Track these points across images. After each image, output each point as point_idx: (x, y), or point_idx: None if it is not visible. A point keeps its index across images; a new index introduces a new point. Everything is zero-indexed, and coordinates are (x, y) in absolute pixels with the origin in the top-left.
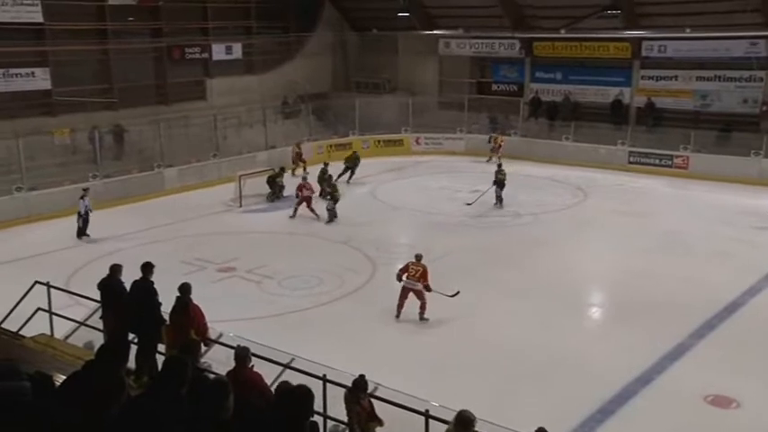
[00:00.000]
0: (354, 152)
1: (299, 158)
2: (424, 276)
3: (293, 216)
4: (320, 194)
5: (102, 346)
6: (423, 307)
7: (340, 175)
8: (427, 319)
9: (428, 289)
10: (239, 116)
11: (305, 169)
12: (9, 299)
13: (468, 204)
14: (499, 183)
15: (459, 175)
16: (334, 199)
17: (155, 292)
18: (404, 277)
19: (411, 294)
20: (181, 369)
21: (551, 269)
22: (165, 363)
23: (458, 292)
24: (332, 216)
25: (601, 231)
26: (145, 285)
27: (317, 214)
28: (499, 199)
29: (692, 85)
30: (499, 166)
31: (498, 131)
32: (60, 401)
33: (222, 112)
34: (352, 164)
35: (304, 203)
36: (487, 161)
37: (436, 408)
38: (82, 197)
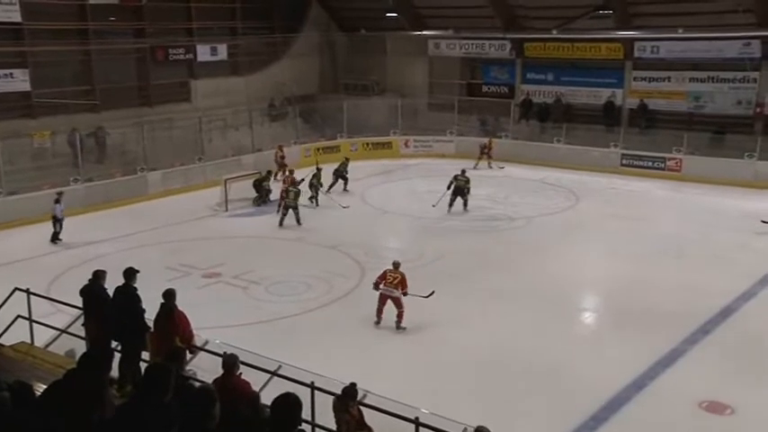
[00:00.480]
0: (345, 159)
1: (281, 162)
2: (402, 284)
3: (281, 225)
4: (309, 198)
5: (84, 353)
6: (400, 316)
7: (330, 186)
8: (404, 328)
9: (404, 294)
10: (225, 118)
11: (285, 173)
12: None
13: (433, 206)
14: (458, 190)
15: (450, 178)
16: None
17: (138, 299)
18: (381, 285)
19: (389, 302)
20: (164, 377)
21: (544, 274)
22: (147, 370)
23: (432, 293)
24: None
25: (594, 235)
26: (128, 291)
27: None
28: (462, 204)
29: (685, 86)
30: (463, 171)
31: (489, 135)
32: (40, 411)
33: (207, 115)
34: (341, 172)
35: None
36: (475, 167)
37: (426, 415)
38: (57, 201)
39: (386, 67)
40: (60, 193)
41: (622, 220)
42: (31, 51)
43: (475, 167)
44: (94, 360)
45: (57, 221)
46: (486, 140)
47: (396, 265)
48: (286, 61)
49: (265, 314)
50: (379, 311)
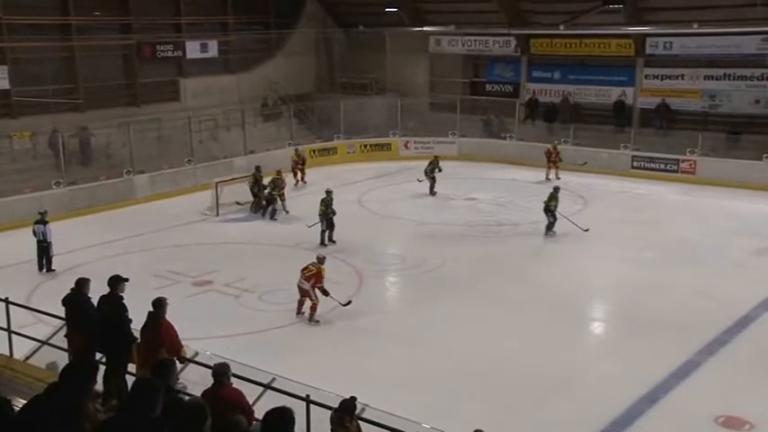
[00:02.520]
0: (434, 158)
1: (297, 166)
2: (316, 278)
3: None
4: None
5: (66, 365)
6: (313, 308)
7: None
8: (317, 321)
9: (324, 293)
10: (216, 119)
11: (303, 179)
12: None
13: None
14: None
15: (452, 181)
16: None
17: (124, 308)
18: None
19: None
20: (152, 392)
21: (551, 281)
22: (134, 385)
23: (350, 302)
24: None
25: (603, 241)
26: (113, 301)
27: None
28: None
29: (699, 84)
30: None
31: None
32: (20, 427)
33: (197, 115)
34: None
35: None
36: (547, 178)
37: (427, 430)
38: (41, 221)
39: (385, 65)
40: (44, 213)
41: (633, 224)
42: (11, 47)
43: (547, 179)
44: (78, 372)
45: (43, 245)
46: (549, 146)
47: (320, 259)
48: (280, 58)
49: (259, 324)
50: (300, 304)
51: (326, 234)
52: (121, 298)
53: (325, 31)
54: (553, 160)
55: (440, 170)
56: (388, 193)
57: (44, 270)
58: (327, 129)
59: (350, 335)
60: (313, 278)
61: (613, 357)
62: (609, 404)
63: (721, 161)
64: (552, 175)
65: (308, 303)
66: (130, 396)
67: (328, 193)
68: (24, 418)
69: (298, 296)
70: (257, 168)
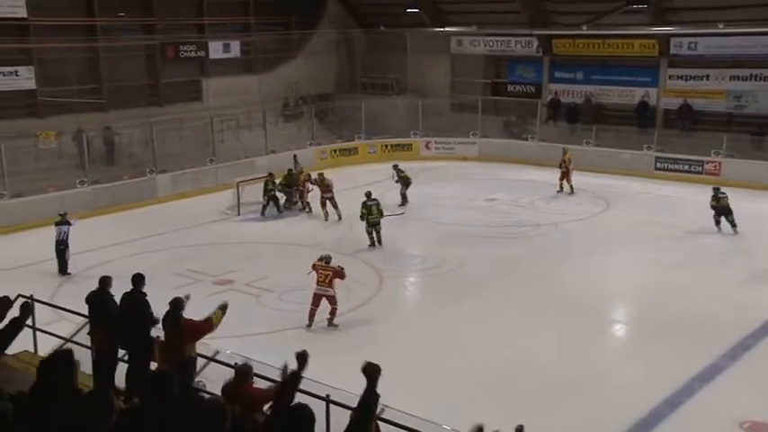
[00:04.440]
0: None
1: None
2: (338, 276)
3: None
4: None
5: (45, 358)
6: (333, 313)
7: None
8: (336, 326)
9: (341, 276)
10: (237, 118)
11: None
12: None
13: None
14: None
15: (473, 182)
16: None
17: (147, 305)
18: (314, 285)
19: (324, 300)
20: (166, 385)
21: (572, 283)
22: (150, 379)
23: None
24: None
25: (625, 243)
26: (137, 298)
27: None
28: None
29: (725, 84)
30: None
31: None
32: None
33: (219, 115)
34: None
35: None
36: (559, 191)
37: (447, 431)
38: (64, 222)
39: (406, 66)
40: (64, 214)
41: (656, 226)
42: (37, 48)
43: (560, 191)
44: (57, 361)
45: (62, 249)
46: (564, 155)
47: (326, 259)
48: (301, 59)
49: (279, 324)
50: (312, 313)
51: (374, 236)
52: (144, 294)
53: (347, 31)
54: (564, 170)
55: (400, 178)
56: (408, 193)
57: (62, 272)
58: (348, 129)
59: (369, 335)
60: (334, 279)
61: (635, 360)
62: (630, 408)
63: (746, 162)
64: (566, 188)
65: (325, 308)
66: (147, 388)
67: (368, 195)
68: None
69: (309, 309)
70: (270, 174)
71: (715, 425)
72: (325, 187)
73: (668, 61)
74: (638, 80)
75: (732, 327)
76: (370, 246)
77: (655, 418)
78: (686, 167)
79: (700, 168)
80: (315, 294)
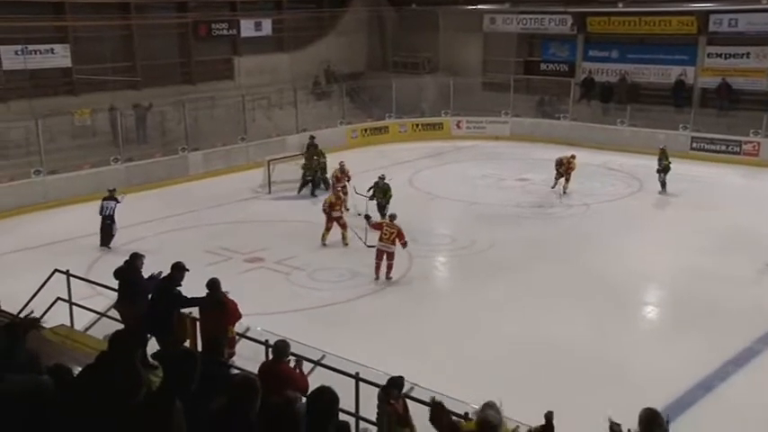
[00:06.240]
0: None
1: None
2: (400, 236)
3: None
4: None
5: (113, 334)
6: (390, 267)
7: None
8: (391, 278)
9: (405, 245)
10: (268, 97)
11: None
12: (28, 287)
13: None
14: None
15: (504, 161)
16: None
17: (179, 302)
18: (378, 241)
19: (385, 256)
20: (190, 364)
21: (603, 265)
22: (170, 358)
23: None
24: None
25: (659, 225)
26: (171, 293)
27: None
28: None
29: (766, 63)
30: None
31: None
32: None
33: (251, 93)
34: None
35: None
36: (554, 187)
37: (476, 410)
38: (111, 198)
39: (438, 44)
40: (113, 190)
41: (691, 209)
42: (73, 26)
43: (554, 187)
44: (125, 340)
45: (109, 224)
46: (565, 156)
47: (392, 217)
48: (333, 37)
49: (308, 302)
50: (378, 267)
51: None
52: (179, 293)
53: (378, 9)
54: (564, 172)
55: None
56: (439, 172)
57: (104, 245)
58: (379, 108)
59: (398, 315)
60: (397, 237)
61: (666, 343)
62: (662, 391)
63: None
64: (560, 187)
65: (384, 264)
66: (170, 367)
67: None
68: (80, 386)
69: (375, 263)
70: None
71: (748, 408)
72: (345, 176)
73: (707, 39)
74: (674, 58)
75: (767, 311)
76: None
77: (687, 400)
78: (723, 148)
79: (738, 149)
80: (378, 250)
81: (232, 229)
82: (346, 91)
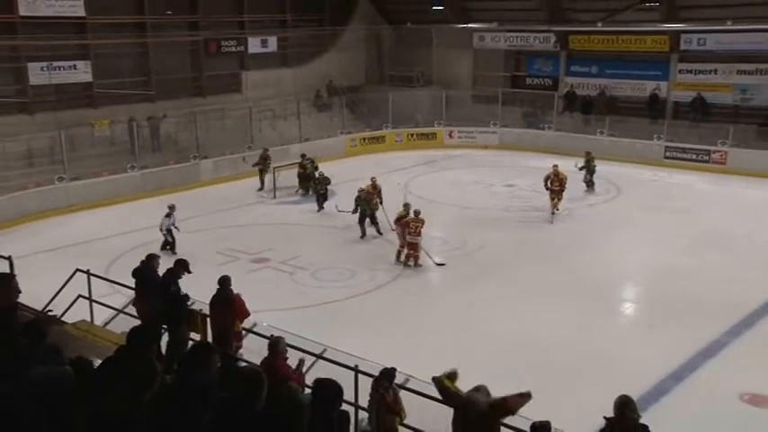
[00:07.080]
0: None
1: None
2: (423, 226)
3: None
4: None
5: (132, 329)
6: (416, 258)
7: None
8: (421, 265)
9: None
10: (273, 109)
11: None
12: (52, 285)
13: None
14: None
15: (493, 168)
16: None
17: (183, 303)
18: (407, 234)
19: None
20: (206, 356)
21: (585, 265)
22: (190, 349)
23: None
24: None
25: (636, 228)
26: (172, 298)
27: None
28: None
29: (732, 78)
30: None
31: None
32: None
33: (257, 105)
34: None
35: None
36: (554, 213)
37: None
38: (168, 215)
39: (431, 60)
40: (172, 207)
41: (665, 212)
42: (93, 44)
43: (553, 212)
44: (142, 334)
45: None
46: (550, 172)
47: (417, 212)
48: (334, 53)
49: (311, 299)
50: (400, 254)
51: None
52: (186, 297)
53: (376, 27)
54: (555, 189)
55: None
56: (432, 178)
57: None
58: (376, 119)
59: (395, 312)
60: (422, 228)
61: (642, 337)
62: (636, 381)
63: (752, 152)
64: (556, 211)
65: (413, 253)
66: (187, 359)
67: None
68: (100, 378)
69: (398, 247)
70: (302, 156)
71: (717, 397)
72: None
73: (678, 56)
74: (649, 74)
75: (736, 307)
76: (361, 237)
77: (660, 390)
78: (694, 156)
79: (707, 157)
80: (409, 243)
81: (240, 232)
82: (346, 103)
